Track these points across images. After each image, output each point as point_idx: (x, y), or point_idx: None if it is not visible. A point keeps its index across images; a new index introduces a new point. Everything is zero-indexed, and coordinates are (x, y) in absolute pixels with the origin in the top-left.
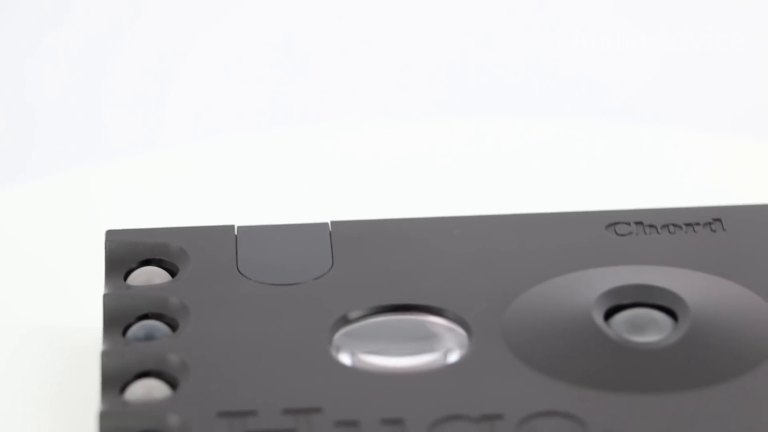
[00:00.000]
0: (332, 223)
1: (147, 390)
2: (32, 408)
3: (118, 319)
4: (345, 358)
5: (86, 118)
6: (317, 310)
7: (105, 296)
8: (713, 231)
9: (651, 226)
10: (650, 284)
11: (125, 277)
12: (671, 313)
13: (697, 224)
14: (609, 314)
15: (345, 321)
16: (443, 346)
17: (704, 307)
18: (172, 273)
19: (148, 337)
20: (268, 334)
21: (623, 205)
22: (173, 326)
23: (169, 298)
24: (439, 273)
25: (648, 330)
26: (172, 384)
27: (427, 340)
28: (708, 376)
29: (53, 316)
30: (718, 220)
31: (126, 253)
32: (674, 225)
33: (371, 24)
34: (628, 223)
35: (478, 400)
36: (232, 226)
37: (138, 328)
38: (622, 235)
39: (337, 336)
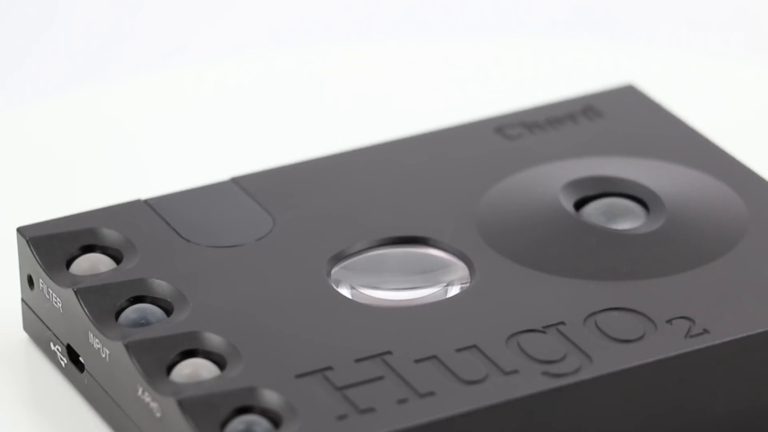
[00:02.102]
0: (234, 179)
1: (195, 369)
2: None
3: (104, 309)
4: (361, 299)
5: None
6: (295, 261)
7: (78, 291)
8: (591, 119)
9: (534, 124)
10: (607, 175)
11: (67, 268)
12: (635, 199)
13: (574, 115)
14: (577, 207)
15: (334, 263)
16: (450, 273)
17: (670, 191)
18: (112, 256)
19: (146, 321)
20: (271, 292)
21: (485, 112)
22: (163, 305)
23: (148, 279)
24: (387, 205)
25: (627, 218)
26: (216, 361)
27: (429, 270)
28: (704, 255)
29: None
30: (590, 108)
31: (54, 244)
32: (555, 120)
33: None
34: (513, 126)
35: (529, 313)
36: (138, 200)
37: (132, 313)
38: (514, 137)
39: (337, 281)
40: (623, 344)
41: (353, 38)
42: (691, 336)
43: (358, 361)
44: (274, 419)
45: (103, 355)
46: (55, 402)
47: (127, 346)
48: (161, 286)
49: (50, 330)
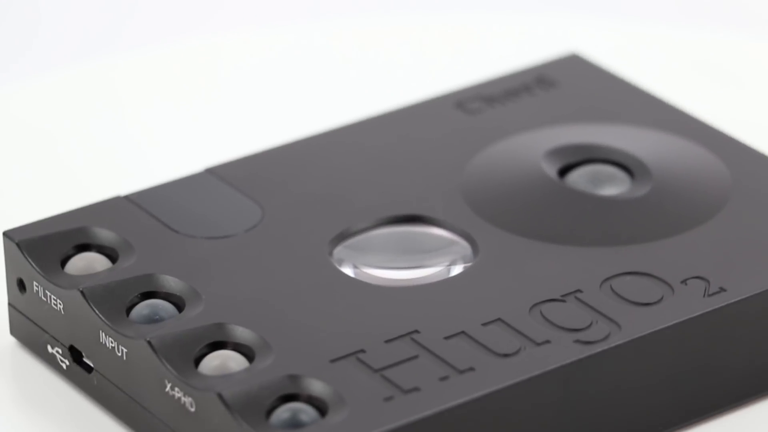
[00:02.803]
0: (209, 169)
1: (223, 361)
2: None
3: (114, 307)
4: (371, 280)
5: None
6: (295, 246)
7: (85, 291)
8: (546, 90)
9: (492, 98)
10: (585, 142)
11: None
12: (618, 165)
13: (528, 87)
14: (560, 175)
15: (335, 245)
16: (453, 249)
17: (650, 155)
18: (106, 254)
19: (159, 317)
20: (279, 279)
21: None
22: (173, 300)
23: (155, 275)
24: (372, 186)
25: (613, 183)
26: (243, 352)
27: (432, 248)
28: (697, 215)
29: None
30: (542, 79)
31: (46, 246)
32: (511, 93)
33: None
34: (472, 100)
35: (542, 283)
36: (119, 196)
37: (144, 309)
38: (475, 111)
39: (341, 263)
40: (646, 307)
41: (296, 20)
42: (710, 295)
43: (388, 342)
44: (319, 406)
45: (119, 354)
46: (57, 405)
47: (151, 343)
48: (169, 281)
49: (47, 333)
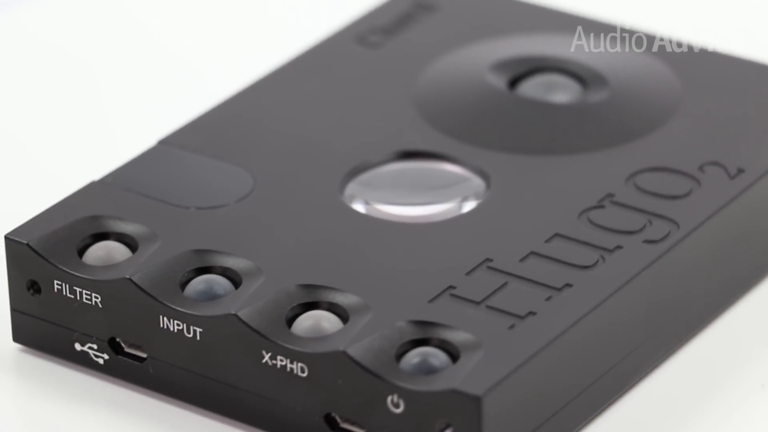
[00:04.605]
0: (162, 141)
1: (316, 321)
2: None
3: (167, 288)
4: (400, 220)
5: None
6: (308, 199)
7: (134, 278)
8: (431, 14)
9: (386, 30)
10: (525, 53)
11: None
12: (567, 72)
13: (411, 14)
14: (511, 87)
15: (342, 191)
16: (464, 179)
17: (593, 59)
18: (122, 241)
19: (217, 292)
20: (317, 231)
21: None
22: (226, 274)
23: (197, 251)
24: (342, 128)
25: (566, 91)
26: (336, 312)
27: (447, 184)
28: (669, 106)
29: None
30: (418, 4)
31: (57, 243)
32: (399, 22)
33: None
34: (369, 33)
35: (571, 194)
36: (93, 182)
37: (201, 284)
38: (374, 45)
39: (358, 204)
40: (685, 199)
41: None
42: (734, 177)
43: (468, 274)
44: (447, 348)
45: (190, 335)
46: (99, 400)
47: (239, 316)
48: (213, 255)
49: (76, 330)
